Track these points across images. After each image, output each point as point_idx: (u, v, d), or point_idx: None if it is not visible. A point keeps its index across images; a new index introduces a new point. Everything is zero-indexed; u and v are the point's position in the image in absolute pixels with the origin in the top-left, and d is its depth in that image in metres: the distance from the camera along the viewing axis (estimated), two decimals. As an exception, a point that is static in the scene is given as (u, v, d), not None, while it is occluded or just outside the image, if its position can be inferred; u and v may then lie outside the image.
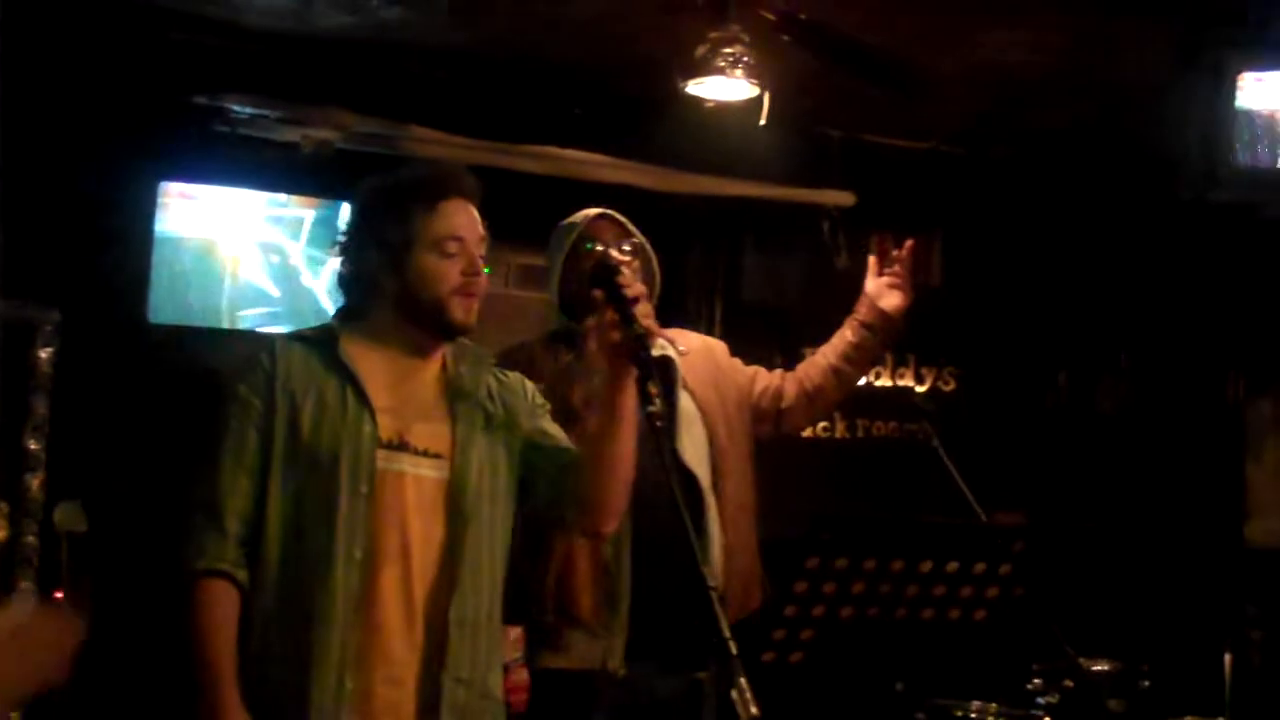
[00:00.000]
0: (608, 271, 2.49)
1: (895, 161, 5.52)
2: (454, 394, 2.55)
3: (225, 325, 4.62)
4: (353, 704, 2.36)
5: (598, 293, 2.46)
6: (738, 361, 3.57)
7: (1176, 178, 4.81)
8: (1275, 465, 5.73)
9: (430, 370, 2.57)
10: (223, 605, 2.40)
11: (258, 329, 4.61)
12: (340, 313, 2.62)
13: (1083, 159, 5.49)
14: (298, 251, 4.70)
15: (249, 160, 4.57)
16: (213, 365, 4.39)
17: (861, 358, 3.59)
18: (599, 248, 3.20)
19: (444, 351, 2.59)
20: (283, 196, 4.67)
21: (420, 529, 2.45)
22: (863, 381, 5.50)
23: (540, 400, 2.69)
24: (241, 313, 4.64)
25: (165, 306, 4.51)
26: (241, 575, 2.41)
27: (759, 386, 3.53)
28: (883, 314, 3.54)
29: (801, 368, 3.61)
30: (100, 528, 4.20)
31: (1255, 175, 4.62)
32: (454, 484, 2.49)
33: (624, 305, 2.41)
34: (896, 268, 3.55)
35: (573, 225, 3.34)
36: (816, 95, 4.93)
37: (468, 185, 2.57)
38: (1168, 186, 4.87)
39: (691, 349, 3.43)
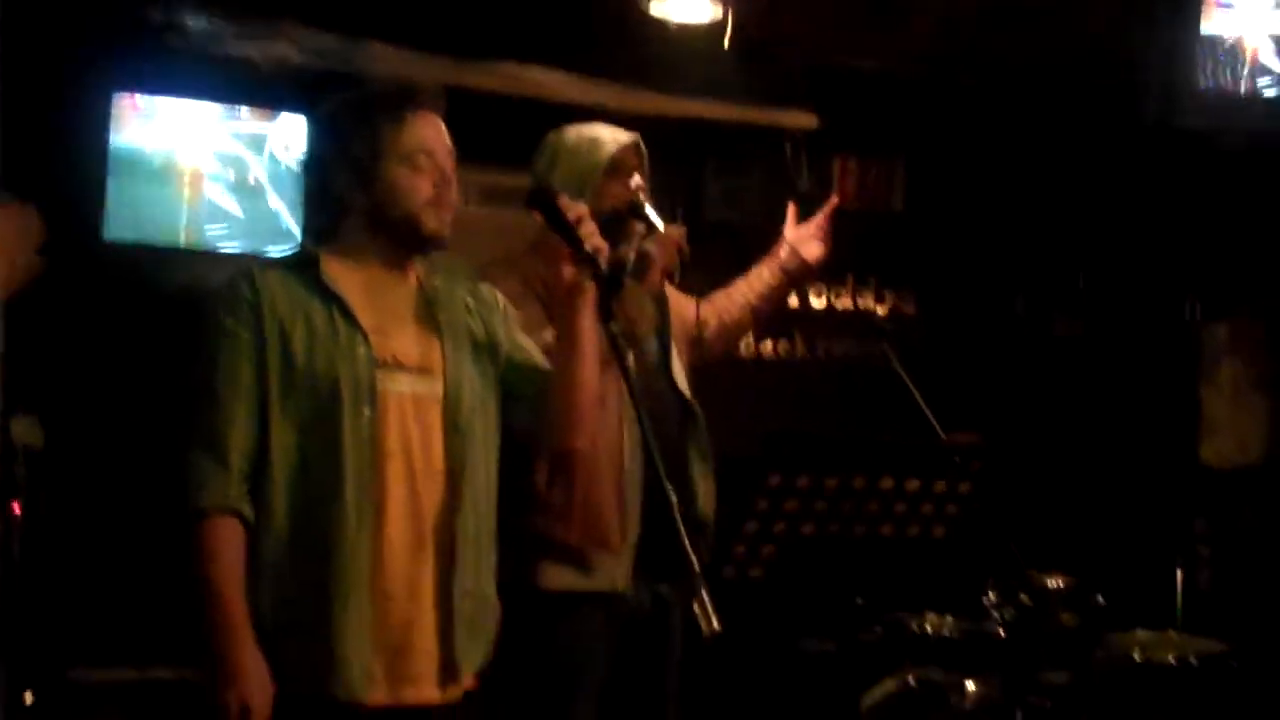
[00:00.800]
0: (545, 195, 2.51)
1: (859, 85, 5.49)
2: (434, 307, 2.53)
3: (183, 243, 4.56)
4: (373, 625, 2.37)
5: (537, 216, 2.48)
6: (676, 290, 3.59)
7: (1140, 102, 4.83)
8: (1229, 388, 5.79)
9: (407, 285, 2.54)
10: (231, 544, 2.35)
11: (218, 247, 4.56)
12: (311, 234, 2.58)
13: (1047, 83, 5.48)
14: (260, 168, 4.63)
15: (205, 73, 4.50)
16: (170, 283, 4.38)
17: (777, 299, 3.69)
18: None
19: (416, 265, 2.57)
20: (243, 111, 4.60)
21: (422, 448, 2.45)
22: (823, 303, 5.58)
23: (512, 311, 2.69)
24: (201, 231, 4.58)
25: (121, 223, 4.45)
26: (247, 511, 2.37)
27: (692, 315, 3.54)
28: (803, 262, 3.61)
29: (719, 299, 3.63)
30: (57, 442, 4.18)
31: (1219, 100, 4.64)
32: (449, 399, 2.48)
33: (567, 229, 2.42)
34: (820, 218, 3.60)
35: (598, 142, 3.26)
36: (780, 17, 4.89)
37: (433, 99, 2.55)
38: (1131, 111, 4.88)
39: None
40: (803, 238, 3.63)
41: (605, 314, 2.45)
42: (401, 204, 2.47)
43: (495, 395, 2.59)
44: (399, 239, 2.50)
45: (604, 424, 3.03)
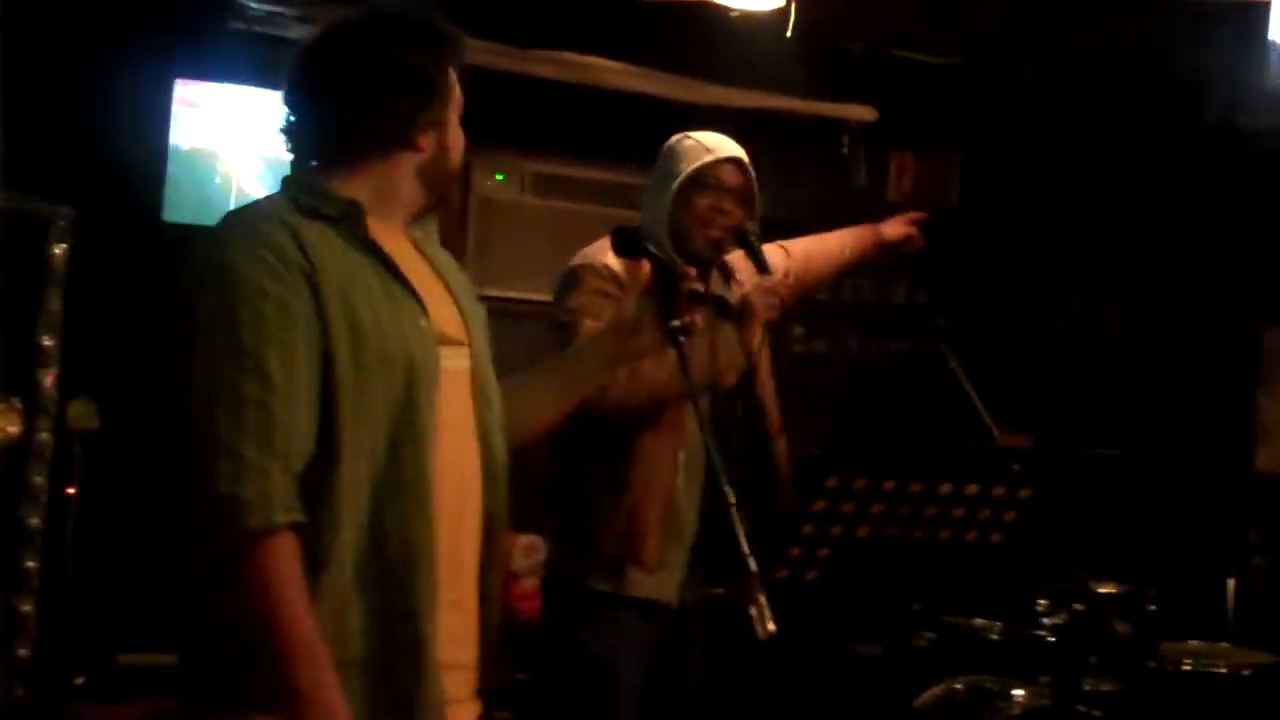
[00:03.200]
0: (641, 244, 2.37)
1: (918, 78, 5.45)
2: (439, 264, 2.19)
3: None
4: (443, 643, 2.03)
5: (646, 265, 2.32)
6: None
7: (1202, 102, 4.77)
8: (1286, 394, 5.73)
9: (409, 245, 2.16)
10: (298, 564, 1.89)
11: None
12: (317, 168, 2.09)
13: (1109, 81, 5.42)
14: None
15: (266, 59, 4.51)
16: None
17: (860, 264, 3.70)
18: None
19: None
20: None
21: (462, 433, 2.09)
22: (877, 299, 5.55)
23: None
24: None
25: (180, 205, 4.48)
26: (305, 523, 1.91)
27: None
28: (892, 243, 3.61)
29: (807, 248, 3.59)
30: (113, 425, 4.20)
31: (1283, 103, 4.58)
32: (478, 372, 2.14)
33: (668, 286, 2.32)
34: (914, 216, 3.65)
35: (693, 150, 3.20)
36: (840, 7, 4.86)
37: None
38: (1192, 111, 4.83)
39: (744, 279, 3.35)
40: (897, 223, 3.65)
41: (667, 313, 2.34)
42: (454, 158, 2.14)
43: None
44: (433, 194, 2.15)
45: (658, 447, 3.03)
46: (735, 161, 3.19)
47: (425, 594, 1.98)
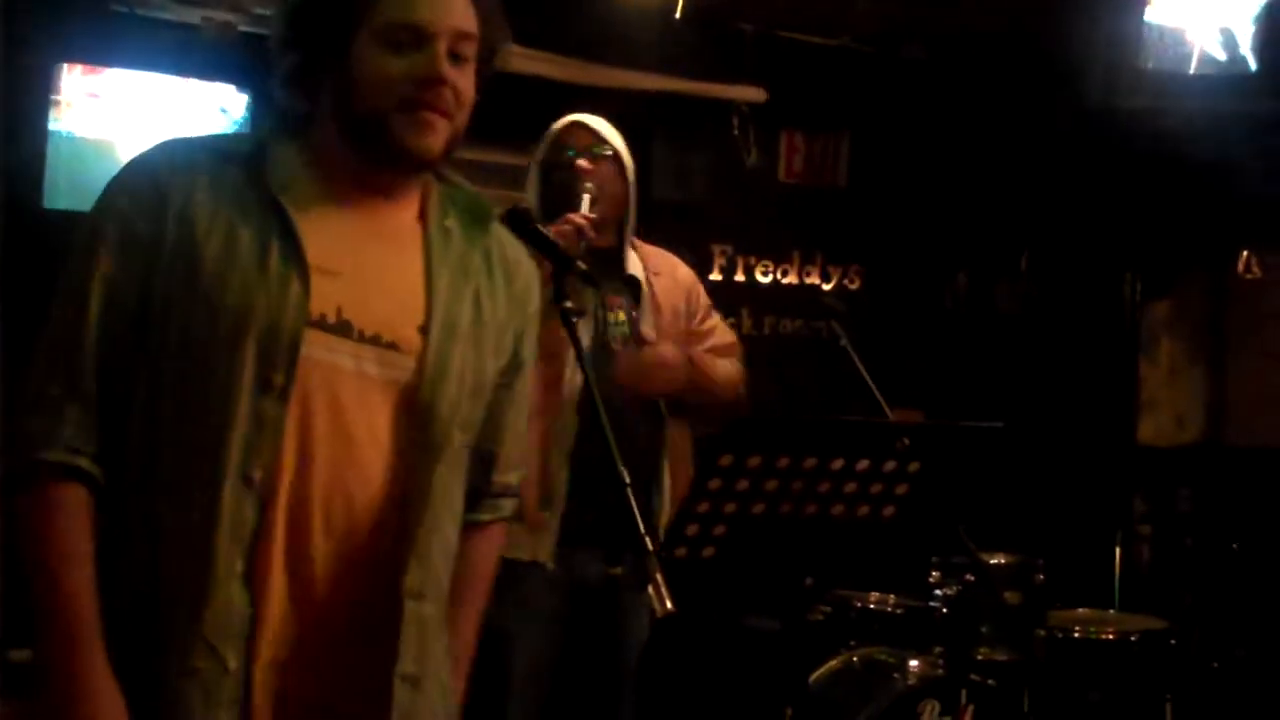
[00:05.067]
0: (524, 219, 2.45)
1: (807, 58, 5.50)
2: (433, 258, 1.80)
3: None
4: (231, 685, 1.67)
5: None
6: (705, 304, 3.52)
7: (1083, 81, 4.87)
8: (1168, 366, 5.88)
9: (398, 218, 1.81)
10: (81, 520, 1.65)
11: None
12: (278, 123, 1.83)
13: (993, 61, 5.52)
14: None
15: (148, 41, 4.43)
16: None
17: None
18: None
19: (423, 193, 1.83)
20: (183, 82, 4.53)
21: (359, 452, 1.73)
22: (769, 279, 5.59)
23: (535, 314, 1.98)
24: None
25: (62, 192, 4.39)
26: (99, 475, 1.67)
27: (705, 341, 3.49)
28: None
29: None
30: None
31: (1161, 81, 4.69)
32: (423, 393, 1.75)
33: (558, 266, 2.36)
34: None
35: (549, 131, 3.33)
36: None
37: None
38: (1074, 90, 4.92)
39: (663, 273, 3.43)
40: None
41: (559, 294, 2.38)
42: (369, 99, 1.71)
43: (483, 407, 1.88)
44: (367, 149, 1.75)
45: (543, 404, 3.04)
46: (576, 124, 3.29)
47: (186, 612, 1.66)
